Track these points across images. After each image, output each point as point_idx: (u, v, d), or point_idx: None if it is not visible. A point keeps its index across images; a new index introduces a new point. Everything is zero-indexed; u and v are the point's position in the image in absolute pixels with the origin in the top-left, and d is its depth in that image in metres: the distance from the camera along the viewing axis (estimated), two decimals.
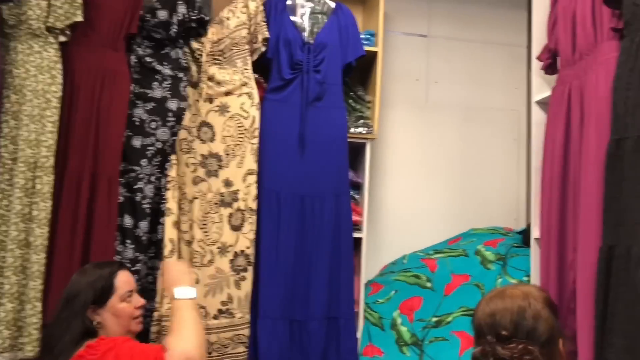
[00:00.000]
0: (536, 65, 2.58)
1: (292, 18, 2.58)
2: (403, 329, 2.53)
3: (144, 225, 2.28)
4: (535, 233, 2.43)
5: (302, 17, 2.61)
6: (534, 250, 2.44)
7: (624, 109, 1.80)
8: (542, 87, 2.58)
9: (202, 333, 1.52)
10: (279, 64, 2.50)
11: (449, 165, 3.21)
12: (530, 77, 3.33)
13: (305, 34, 2.58)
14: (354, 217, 2.62)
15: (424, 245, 2.99)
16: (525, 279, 2.50)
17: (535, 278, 2.40)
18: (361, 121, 2.72)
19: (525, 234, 2.74)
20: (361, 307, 2.61)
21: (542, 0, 2.60)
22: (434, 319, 2.52)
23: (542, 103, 2.55)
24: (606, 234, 1.83)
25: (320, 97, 2.52)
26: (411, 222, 3.09)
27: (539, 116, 2.57)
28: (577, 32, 2.17)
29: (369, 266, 2.82)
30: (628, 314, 1.68)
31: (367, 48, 2.71)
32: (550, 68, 2.44)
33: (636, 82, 1.77)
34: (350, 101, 2.76)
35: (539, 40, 2.57)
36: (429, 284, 2.66)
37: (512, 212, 3.25)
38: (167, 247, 2.28)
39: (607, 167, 1.84)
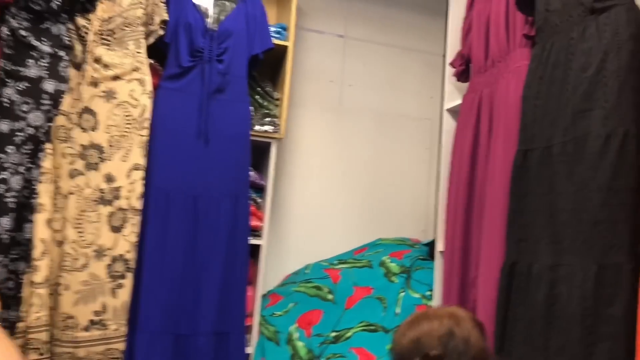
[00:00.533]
0: (450, 72, 2.50)
1: (195, 1, 2.35)
2: (299, 344, 2.35)
3: (5, 221, 1.97)
4: (439, 246, 2.34)
5: (207, 2, 2.40)
6: (438, 264, 2.34)
7: (532, 119, 1.72)
8: (454, 95, 2.50)
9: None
10: (177, 50, 2.28)
11: (359, 171, 3.09)
12: (444, 86, 3.29)
13: (210, 19, 2.37)
14: (255, 222, 2.43)
15: (330, 254, 2.84)
16: (428, 293, 2.40)
17: (438, 293, 2.30)
18: (268, 119, 2.54)
19: (431, 246, 2.65)
20: (256, 320, 2.42)
21: (458, 7, 2.53)
22: (333, 334, 2.36)
23: (453, 111, 2.47)
24: (509, 250, 1.75)
25: (222, 88, 2.32)
26: (317, 229, 2.94)
27: (449, 125, 2.49)
28: (490, 38, 2.10)
29: (270, 275, 2.65)
30: (525, 335, 1.59)
31: (277, 42, 2.54)
32: (462, 75, 2.36)
33: (545, 91, 1.70)
34: (257, 97, 2.56)
35: (454, 47, 2.49)
36: (330, 296, 2.50)
37: (420, 223, 3.17)
38: (38, 249, 1.99)
39: (512, 179, 1.76)
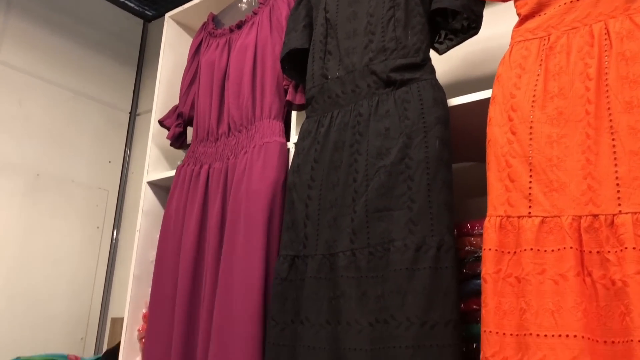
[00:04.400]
0: (155, 136, 1.88)
1: None
2: None
3: None
4: None
5: None
6: None
7: (303, 214, 1.25)
8: (158, 165, 1.89)
9: None
10: None
11: None
12: (130, 150, 2.63)
13: None
14: None
15: None
16: None
17: None
18: None
19: None
20: None
21: (172, 56, 1.99)
22: None
23: (157, 185, 1.85)
24: None
25: None
26: None
27: (151, 203, 1.84)
28: (227, 98, 1.59)
29: None
30: None
31: None
32: (178, 139, 1.78)
33: (322, 180, 1.26)
34: None
35: (163, 105, 1.90)
36: None
37: (79, 330, 2.33)
38: None
39: (274, 297, 1.23)
